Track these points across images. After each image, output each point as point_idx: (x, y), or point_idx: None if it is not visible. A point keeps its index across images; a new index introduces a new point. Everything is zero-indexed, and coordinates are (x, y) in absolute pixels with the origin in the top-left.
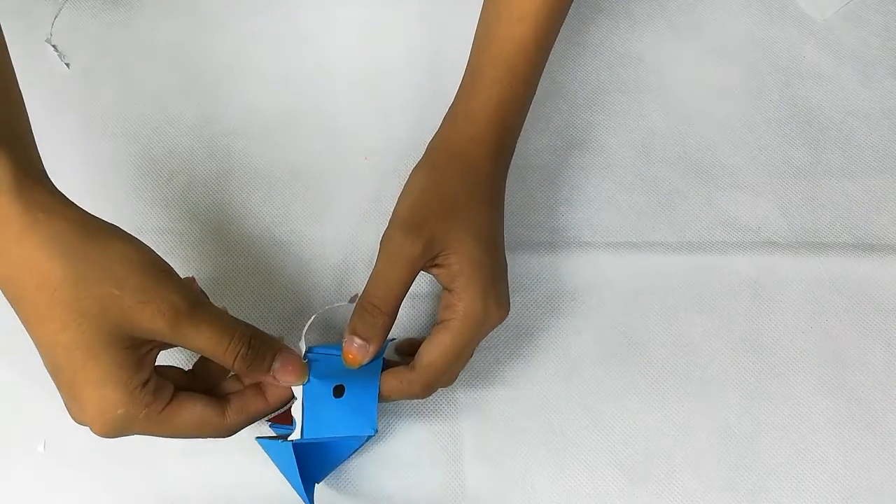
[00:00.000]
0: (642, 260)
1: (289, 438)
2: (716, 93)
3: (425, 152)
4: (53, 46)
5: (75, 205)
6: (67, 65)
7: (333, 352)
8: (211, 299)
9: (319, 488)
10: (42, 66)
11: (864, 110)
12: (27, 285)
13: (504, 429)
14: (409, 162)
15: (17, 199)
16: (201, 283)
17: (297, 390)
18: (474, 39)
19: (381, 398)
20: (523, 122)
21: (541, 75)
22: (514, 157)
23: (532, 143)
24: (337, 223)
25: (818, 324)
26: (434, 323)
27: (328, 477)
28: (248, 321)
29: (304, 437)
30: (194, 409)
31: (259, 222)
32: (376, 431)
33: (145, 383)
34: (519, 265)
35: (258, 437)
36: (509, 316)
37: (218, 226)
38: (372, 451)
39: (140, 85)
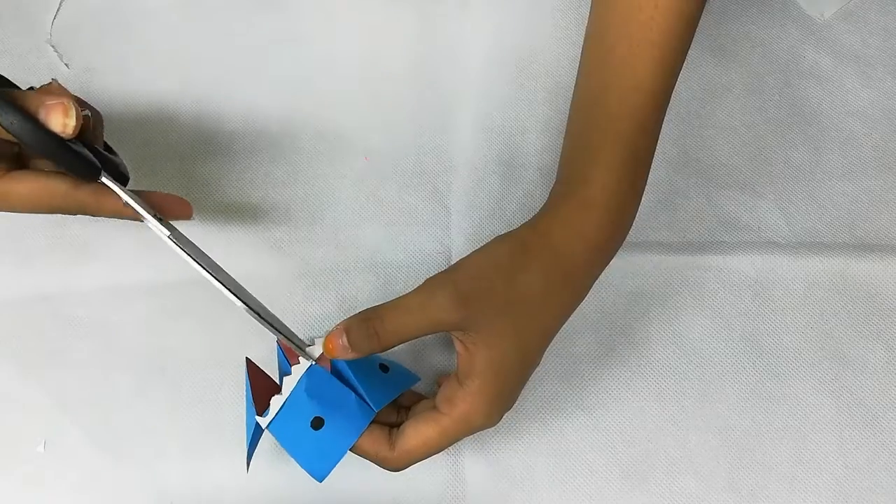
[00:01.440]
0: (642, 260)
1: (259, 421)
2: (716, 93)
3: (529, 224)
4: (53, 46)
5: None
6: (67, 65)
7: (351, 380)
8: (211, 299)
9: (319, 488)
10: (42, 66)
11: (864, 110)
12: None
13: (504, 429)
14: (408, 163)
15: None
16: (202, 283)
17: (286, 386)
18: (576, 99)
19: (353, 450)
20: (634, 217)
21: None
22: (514, 156)
23: (532, 143)
24: (337, 223)
25: (818, 324)
26: (429, 397)
27: (327, 477)
28: (245, 323)
29: (269, 428)
30: (35, 180)
31: (259, 222)
32: (320, 481)
33: None
34: None
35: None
36: None
37: (218, 225)
38: None
39: (140, 85)
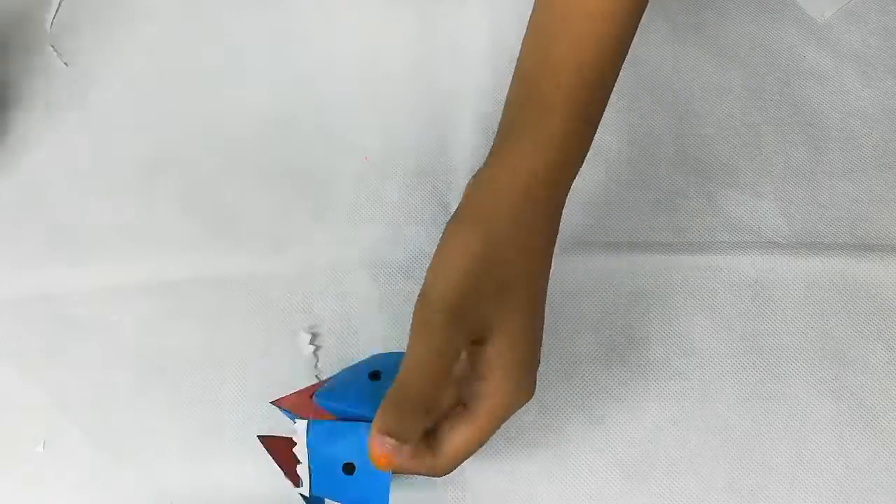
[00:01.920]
0: (642, 260)
1: (299, 492)
2: (716, 93)
3: (468, 198)
4: (53, 46)
5: None
6: (67, 64)
7: (348, 411)
8: (211, 300)
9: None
10: (42, 66)
11: (864, 110)
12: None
13: (504, 429)
14: (409, 161)
15: None
16: (203, 283)
17: (301, 453)
18: (525, 51)
19: (397, 472)
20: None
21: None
22: None
23: None
24: (337, 223)
25: (818, 324)
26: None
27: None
28: (246, 322)
29: (313, 494)
30: None
31: (259, 222)
32: None
33: None
34: None
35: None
36: None
37: (218, 225)
38: None
39: (140, 85)
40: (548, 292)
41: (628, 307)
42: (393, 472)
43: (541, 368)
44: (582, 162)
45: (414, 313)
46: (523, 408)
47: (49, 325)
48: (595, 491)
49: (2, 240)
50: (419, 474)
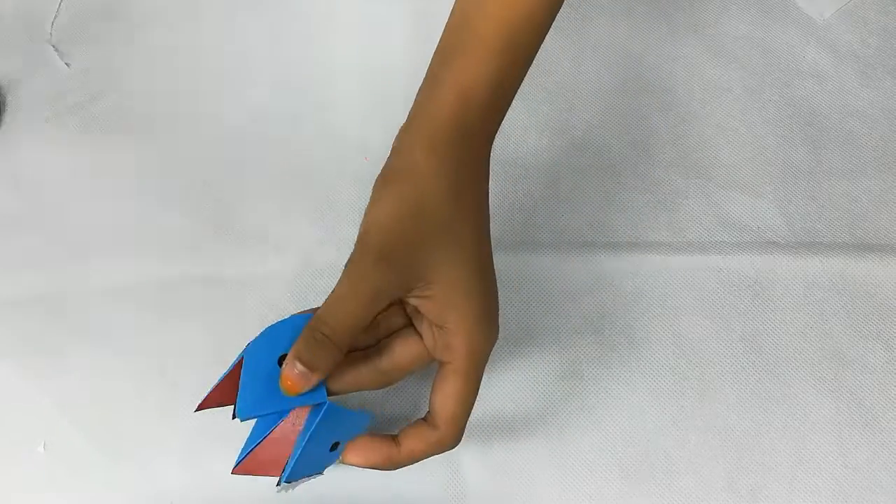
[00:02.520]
0: (642, 260)
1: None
2: (716, 93)
3: (397, 150)
4: (54, 46)
5: None
6: (67, 64)
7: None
8: (211, 300)
9: (320, 488)
10: (43, 67)
11: (863, 110)
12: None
13: (504, 429)
14: None
15: None
16: (202, 283)
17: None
18: (455, 7)
19: (410, 461)
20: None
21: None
22: (514, 156)
23: (532, 143)
24: (337, 223)
25: (818, 324)
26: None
27: (326, 476)
28: (246, 322)
29: (240, 414)
30: None
31: (259, 222)
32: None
33: None
34: (519, 265)
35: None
36: (509, 316)
37: (218, 225)
38: None
39: (140, 85)
40: (548, 292)
41: (628, 307)
42: (409, 461)
43: (540, 368)
44: (510, 100)
45: (349, 257)
46: (523, 408)
47: (49, 325)
48: (595, 491)
49: (1, 240)
50: (433, 454)
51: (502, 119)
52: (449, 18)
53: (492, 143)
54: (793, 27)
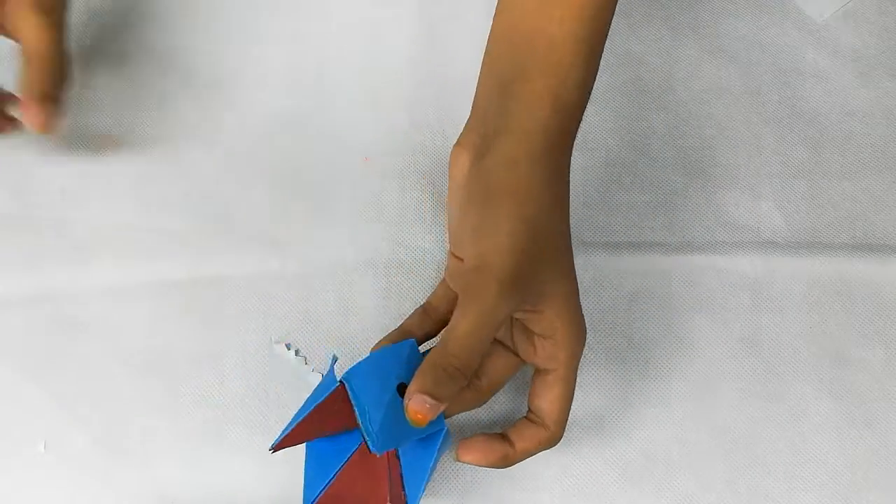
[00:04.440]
0: (642, 260)
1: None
2: (716, 93)
3: (493, 167)
4: None
5: None
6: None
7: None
8: (211, 301)
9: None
10: None
11: (863, 110)
12: None
13: (504, 429)
14: (408, 163)
15: None
16: (202, 283)
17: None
18: (505, 11)
19: (523, 458)
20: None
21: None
22: None
23: None
24: (337, 224)
25: (818, 324)
26: (532, 371)
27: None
28: (246, 322)
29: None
30: None
31: (259, 222)
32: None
33: None
34: None
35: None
36: None
37: (217, 225)
38: None
39: (140, 85)
40: None
41: (628, 307)
42: (519, 458)
43: None
44: (587, 102)
45: (464, 283)
46: (523, 408)
47: (49, 325)
48: (595, 491)
49: (2, 240)
50: (540, 451)
51: (579, 122)
52: (496, 25)
53: (571, 151)
54: (792, 27)
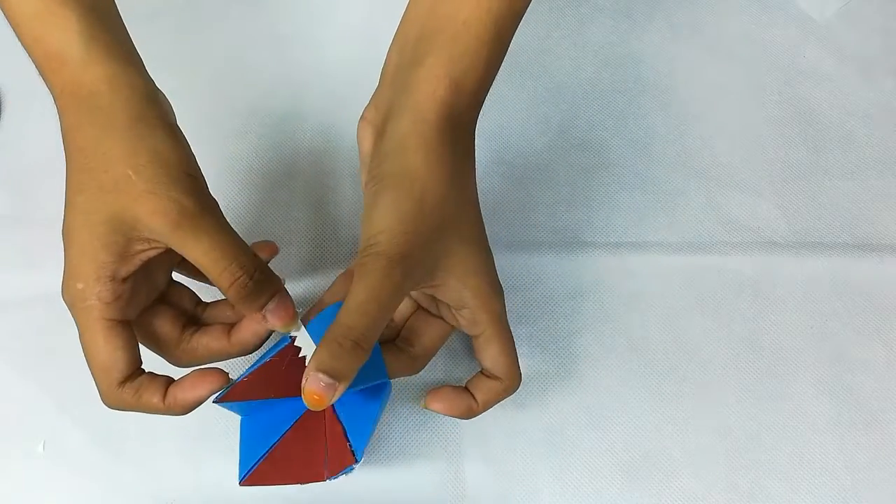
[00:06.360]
0: (642, 260)
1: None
2: (716, 93)
3: (387, 153)
4: None
5: (145, 81)
6: None
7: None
8: (211, 299)
9: (320, 487)
10: None
11: (864, 110)
12: (73, 146)
13: (504, 428)
14: None
15: (82, 66)
16: (201, 284)
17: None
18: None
19: (482, 410)
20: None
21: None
22: (514, 156)
23: (532, 143)
24: (337, 222)
25: (818, 324)
26: (466, 338)
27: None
28: None
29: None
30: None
31: (259, 222)
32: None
33: (119, 280)
34: (519, 265)
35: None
36: (509, 316)
37: None
38: (371, 451)
39: None
40: (544, 286)
41: (628, 307)
42: (478, 412)
43: (541, 368)
44: (488, 86)
45: (358, 259)
46: (523, 408)
47: (49, 324)
48: (595, 491)
49: (3, 240)
50: (501, 399)
51: (484, 94)
52: (412, 8)
53: (475, 121)
54: (793, 27)
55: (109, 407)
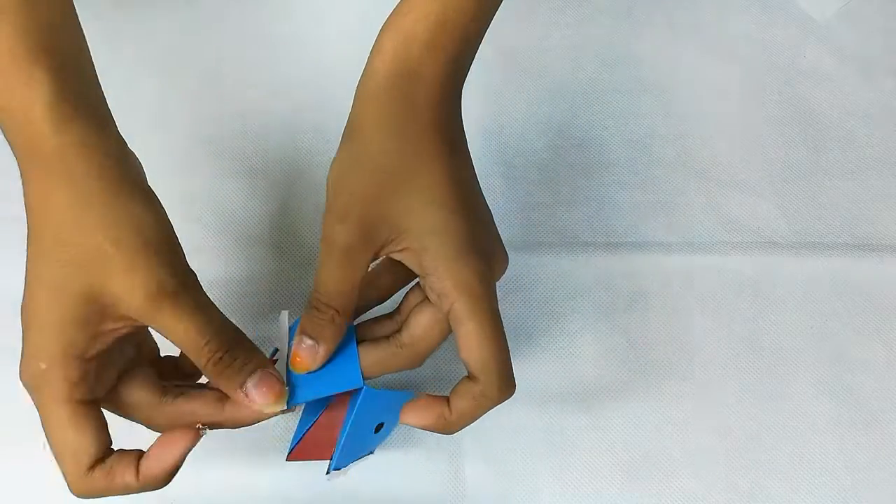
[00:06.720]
0: (642, 260)
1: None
2: (716, 93)
3: (350, 121)
4: None
5: (118, 144)
6: None
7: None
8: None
9: (320, 487)
10: None
11: (864, 110)
12: (40, 215)
13: (504, 428)
14: None
15: (52, 129)
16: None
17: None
18: None
19: (463, 419)
20: (484, 29)
21: None
22: (514, 156)
23: (532, 143)
24: None
25: (818, 324)
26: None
27: (328, 476)
28: (246, 323)
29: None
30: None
31: (259, 223)
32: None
33: (87, 358)
34: (519, 265)
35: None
36: (509, 316)
37: (218, 226)
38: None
39: (139, 86)
40: (544, 286)
41: (628, 307)
42: (463, 422)
43: (541, 368)
44: (463, 45)
45: (322, 231)
46: (523, 408)
47: None
48: (595, 491)
49: (3, 240)
50: (484, 409)
51: (462, 66)
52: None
53: (453, 87)
54: (793, 27)
55: (78, 496)
